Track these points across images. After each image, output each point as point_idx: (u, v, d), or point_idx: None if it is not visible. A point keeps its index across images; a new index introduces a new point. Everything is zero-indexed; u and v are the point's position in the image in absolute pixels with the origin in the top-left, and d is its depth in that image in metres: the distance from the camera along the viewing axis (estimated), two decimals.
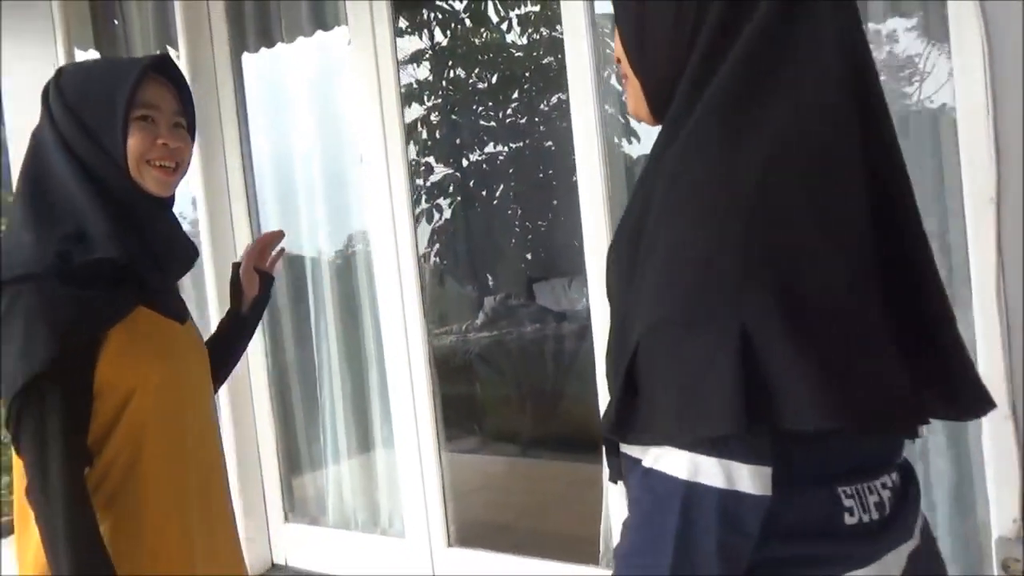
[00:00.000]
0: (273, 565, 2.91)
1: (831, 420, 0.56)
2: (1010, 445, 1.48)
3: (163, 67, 1.18)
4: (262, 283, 1.45)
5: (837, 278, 0.60)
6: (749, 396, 0.56)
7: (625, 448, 0.67)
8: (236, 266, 1.45)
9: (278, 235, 1.49)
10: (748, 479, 0.59)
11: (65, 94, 1.12)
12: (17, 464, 1.11)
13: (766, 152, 0.61)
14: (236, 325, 1.44)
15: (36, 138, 1.16)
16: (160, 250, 1.17)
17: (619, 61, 0.79)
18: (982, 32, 1.49)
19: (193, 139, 1.24)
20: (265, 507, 2.93)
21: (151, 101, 1.14)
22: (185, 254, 1.24)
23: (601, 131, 2.16)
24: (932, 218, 1.69)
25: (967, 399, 0.71)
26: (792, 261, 0.59)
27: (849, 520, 0.64)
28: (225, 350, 1.42)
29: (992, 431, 1.53)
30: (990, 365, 1.50)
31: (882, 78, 0.77)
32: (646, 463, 0.62)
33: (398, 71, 2.57)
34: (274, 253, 1.48)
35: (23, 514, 1.11)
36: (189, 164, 1.23)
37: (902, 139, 0.71)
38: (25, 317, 1.02)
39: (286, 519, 2.92)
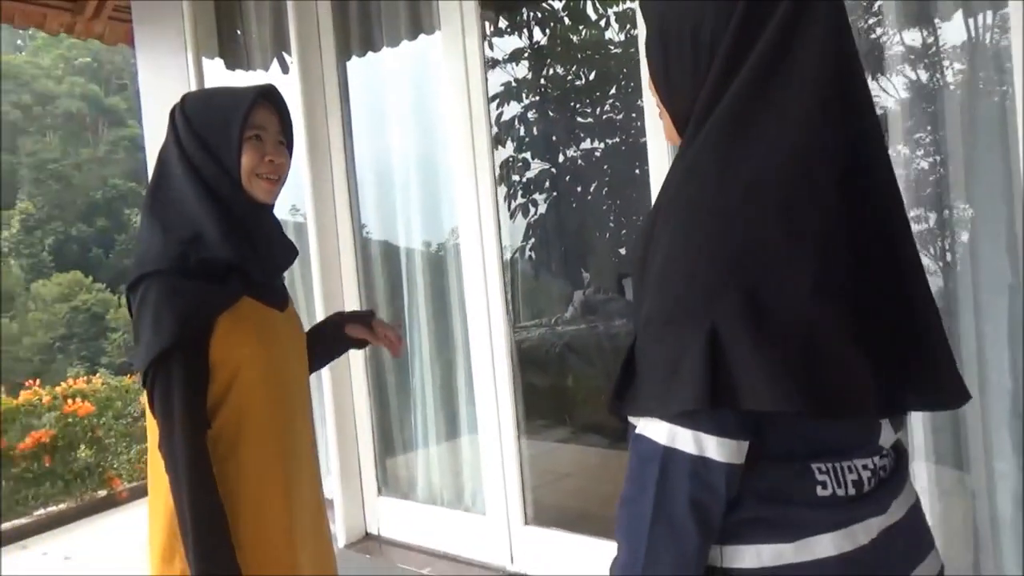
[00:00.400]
0: (367, 534, 3.15)
1: (782, 404, 0.69)
2: None
3: (269, 94, 1.39)
4: (356, 341, 1.65)
5: (801, 286, 0.71)
6: (716, 381, 0.68)
7: (629, 418, 0.80)
8: (367, 315, 1.66)
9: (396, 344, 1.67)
10: (715, 448, 0.73)
11: (189, 118, 1.36)
12: (151, 430, 1.34)
13: (747, 180, 0.73)
14: (326, 354, 1.65)
15: (161, 156, 1.40)
16: (264, 250, 1.39)
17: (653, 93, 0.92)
18: None
19: (291, 154, 1.45)
20: (361, 482, 3.18)
21: (260, 123, 1.36)
22: (285, 253, 1.46)
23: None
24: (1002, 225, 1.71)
25: (947, 393, 0.80)
26: (760, 272, 0.72)
27: (822, 492, 0.77)
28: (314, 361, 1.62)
29: None
30: None
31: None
32: (638, 430, 0.76)
33: (486, 73, 2.72)
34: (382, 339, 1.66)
35: (156, 467, 1.34)
36: (288, 175, 1.43)
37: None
38: (155, 304, 1.26)
39: (379, 493, 3.16)
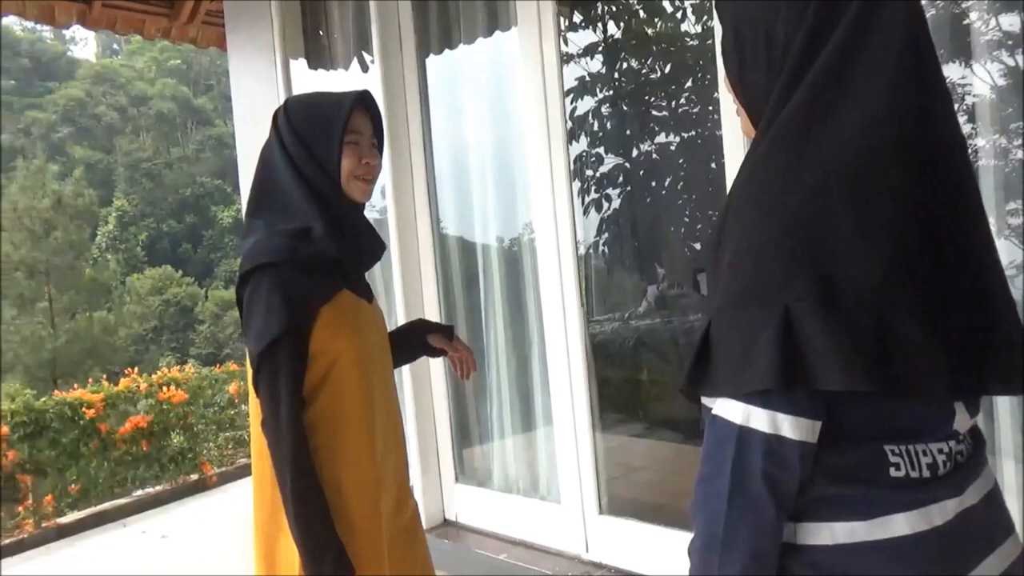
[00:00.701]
0: (445, 520, 3.25)
1: (852, 384, 0.71)
2: None
3: (365, 100, 1.48)
4: (435, 350, 1.73)
5: (872, 270, 0.74)
6: (789, 361, 0.71)
7: (703, 400, 0.84)
8: (448, 329, 1.75)
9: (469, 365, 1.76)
10: (789, 426, 0.75)
11: (293, 122, 1.45)
12: (254, 410, 1.44)
13: (819, 170, 0.76)
14: (405, 349, 1.73)
15: (264, 157, 1.49)
16: (359, 245, 1.49)
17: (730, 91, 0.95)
18: None
19: (382, 155, 1.53)
20: (439, 470, 3.27)
21: (357, 128, 1.46)
22: (376, 248, 1.55)
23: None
24: None
25: (1021, 377, 0.81)
26: (831, 257, 0.74)
27: (895, 473, 0.78)
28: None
29: None
30: None
31: None
32: (713, 411, 0.79)
33: (561, 69, 2.75)
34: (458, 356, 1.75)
35: (259, 448, 1.43)
36: (379, 175, 1.52)
37: None
38: (267, 295, 1.35)
39: (456, 480, 3.25)
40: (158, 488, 6.09)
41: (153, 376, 6.99)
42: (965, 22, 2.24)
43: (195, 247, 35.29)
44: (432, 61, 3.32)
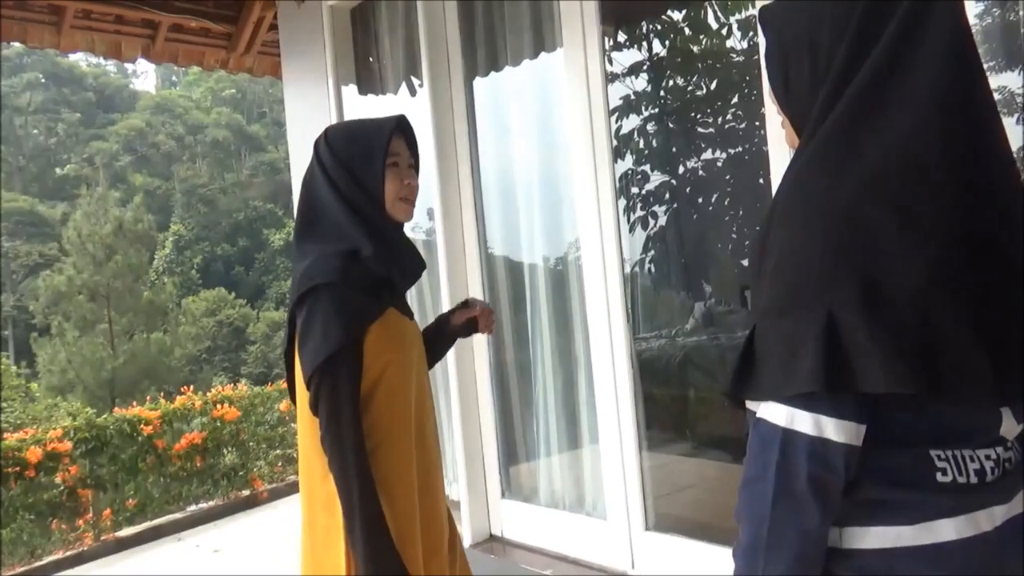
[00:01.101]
0: (491, 535, 3.26)
1: (896, 387, 0.71)
2: None
3: (403, 124, 1.56)
4: (462, 327, 1.78)
5: (917, 275, 0.74)
6: (833, 365, 0.72)
7: (747, 404, 0.85)
8: (464, 320, 1.78)
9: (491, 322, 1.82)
10: (833, 429, 0.76)
11: (334, 149, 1.52)
12: (304, 429, 1.48)
13: (863, 177, 0.78)
14: (444, 345, 1.79)
15: (307, 183, 1.56)
16: (404, 265, 1.56)
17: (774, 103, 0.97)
18: None
19: (418, 176, 1.60)
20: (486, 485, 3.29)
21: (396, 151, 1.53)
22: (418, 267, 1.62)
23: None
24: None
25: None
26: (875, 262, 0.75)
27: (942, 478, 0.79)
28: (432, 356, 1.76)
29: None
30: None
31: None
32: (758, 414, 0.80)
33: (607, 88, 2.79)
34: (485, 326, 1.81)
35: (309, 465, 1.48)
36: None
37: None
38: (324, 313, 1.40)
39: (503, 496, 3.26)
40: (211, 503, 6.24)
41: (207, 394, 7.18)
42: (999, 21, 2.21)
43: (247, 269, 36.14)
44: (479, 83, 3.38)
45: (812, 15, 0.88)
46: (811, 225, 0.79)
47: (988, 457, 0.81)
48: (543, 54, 3.13)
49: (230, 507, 6.25)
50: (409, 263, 1.58)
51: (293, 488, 6.60)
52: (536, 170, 3.27)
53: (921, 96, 0.79)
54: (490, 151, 3.39)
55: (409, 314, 1.59)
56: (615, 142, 5.01)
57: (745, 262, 7.00)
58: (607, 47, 3.09)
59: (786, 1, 0.95)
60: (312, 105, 3.84)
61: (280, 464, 7.12)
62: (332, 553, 1.42)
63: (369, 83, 3.89)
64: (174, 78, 46.45)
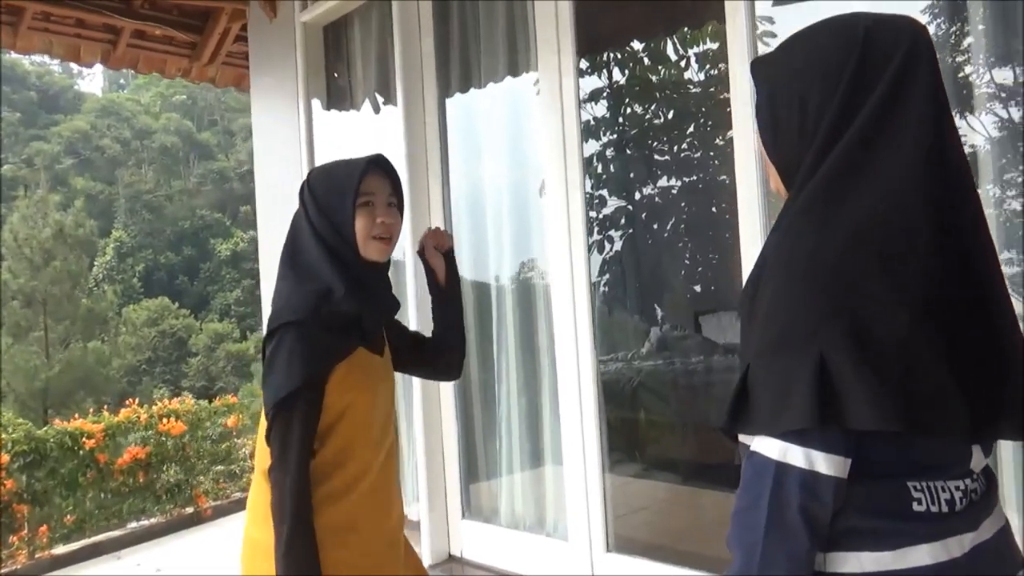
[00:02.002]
0: (450, 556, 3.26)
1: (882, 424, 0.79)
2: None
3: (379, 162, 1.57)
4: (447, 259, 1.76)
5: (900, 321, 0.82)
6: (824, 403, 0.79)
7: (740, 438, 0.90)
8: (421, 254, 1.76)
9: (441, 235, 1.78)
10: (823, 463, 0.82)
11: (314, 192, 1.55)
12: (259, 454, 1.52)
13: (850, 228, 0.85)
14: (442, 298, 1.77)
15: (293, 224, 1.59)
16: (377, 304, 1.58)
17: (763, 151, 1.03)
18: None
19: (402, 214, 1.61)
20: (446, 505, 3.30)
21: (370, 190, 1.54)
22: (391, 307, 1.64)
23: (761, 169, 2.28)
24: None
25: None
26: (862, 308, 0.82)
27: (917, 508, 0.85)
28: (445, 323, 1.77)
29: None
30: None
31: None
32: (752, 448, 0.86)
33: (580, 112, 2.85)
34: (440, 240, 1.77)
35: (259, 491, 1.51)
36: (400, 233, 1.59)
37: None
38: (289, 351, 1.43)
39: (463, 516, 3.27)
40: (153, 520, 6.06)
41: (153, 407, 6.99)
42: (961, 75, 2.35)
43: (192, 279, 35.33)
44: (451, 102, 3.43)
45: (802, 71, 0.94)
46: (802, 275, 0.85)
47: (958, 488, 0.88)
48: (516, 76, 3.20)
49: (173, 524, 6.08)
50: (382, 303, 1.61)
51: (238, 505, 6.47)
52: (506, 191, 3.32)
53: (905, 153, 0.86)
54: (460, 171, 3.43)
55: (380, 350, 1.61)
56: None
57: (699, 288, 7.18)
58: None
59: (777, 54, 1.01)
60: (280, 120, 3.83)
61: (224, 480, 6.96)
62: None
63: (335, 99, 3.90)
64: (122, 81, 45.35)
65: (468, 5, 3.30)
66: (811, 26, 0.99)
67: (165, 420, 6.68)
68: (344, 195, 1.51)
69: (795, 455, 0.83)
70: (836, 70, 0.90)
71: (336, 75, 3.94)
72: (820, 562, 0.86)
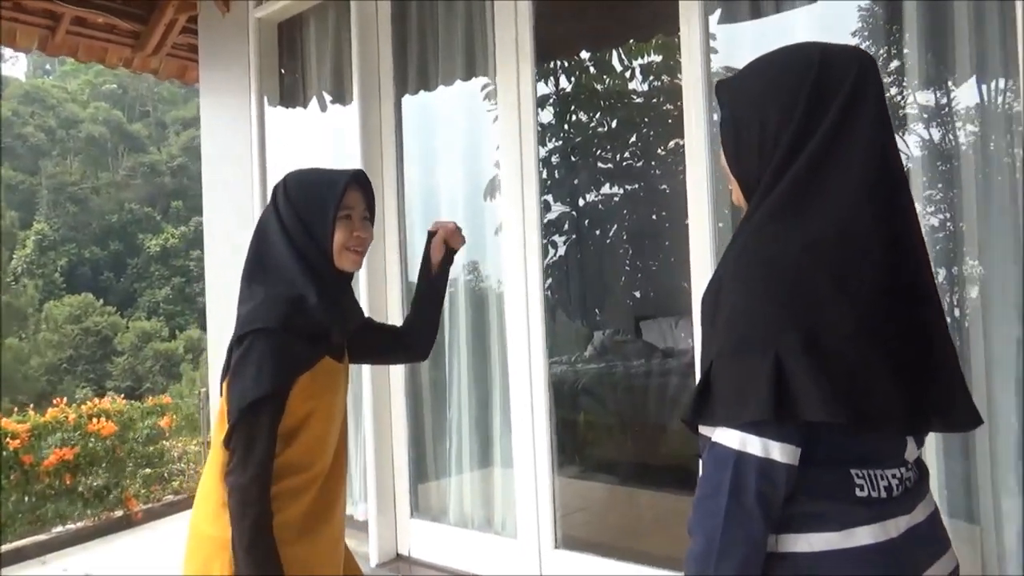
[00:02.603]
0: (398, 555, 3.28)
1: (831, 417, 0.89)
2: None
3: (359, 178, 1.61)
4: (447, 253, 1.82)
5: (847, 326, 0.92)
6: (780, 398, 0.89)
7: (701, 430, 0.99)
8: (431, 235, 1.81)
9: (458, 234, 1.82)
10: (778, 452, 0.92)
11: (291, 197, 1.57)
12: (214, 453, 1.53)
13: (804, 242, 0.95)
14: (429, 289, 1.81)
15: (262, 227, 1.60)
16: (345, 315, 1.62)
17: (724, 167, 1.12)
18: None
19: (372, 227, 1.65)
20: (395, 504, 3.31)
21: (350, 204, 1.58)
22: (356, 317, 1.69)
23: (713, 179, 2.39)
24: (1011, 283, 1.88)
25: (961, 416, 1.01)
26: (814, 315, 0.92)
27: (859, 493, 0.96)
28: (423, 313, 1.82)
29: None
30: None
31: None
32: (713, 439, 0.95)
33: (537, 116, 2.91)
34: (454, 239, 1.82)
35: (208, 493, 1.52)
36: (370, 246, 1.63)
37: None
38: (259, 357, 1.44)
39: (412, 515, 3.29)
40: (80, 524, 5.86)
41: (82, 407, 6.75)
42: (888, 94, 2.50)
43: (118, 276, 34.06)
44: (407, 101, 3.45)
45: (762, 94, 1.04)
46: (762, 288, 0.95)
47: (894, 476, 0.99)
48: (469, 80, 3.24)
49: (101, 528, 5.89)
50: (349, 314, 1.64)
51: (170, 508, 6.32)
52: (460, 192, 3.36)
53: (854, 175, 0.97)
54: (414, 171, 3.45)
55: (341, 356, 1.64)
56: None
57: (639, 294, 7.35)
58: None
59: (739, 77, 1.10)
60: (229, 116, 3.79)
61: (156, 483, 6.77)
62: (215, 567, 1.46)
63: (284, 96, 3.88)
64: (48, 66, 43.46)
65: (427, 6, 3.33)
66: (770, 52, 1.09)
67: (94, 420, 6.46)
68: (326, 206, 1.53)
69: (753, 444, 0.92)
70: (792, 94, 1.00)
71: (283, 72, 3.91)
72: (772, 543, 0.95)
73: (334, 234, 1.54)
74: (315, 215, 1.53)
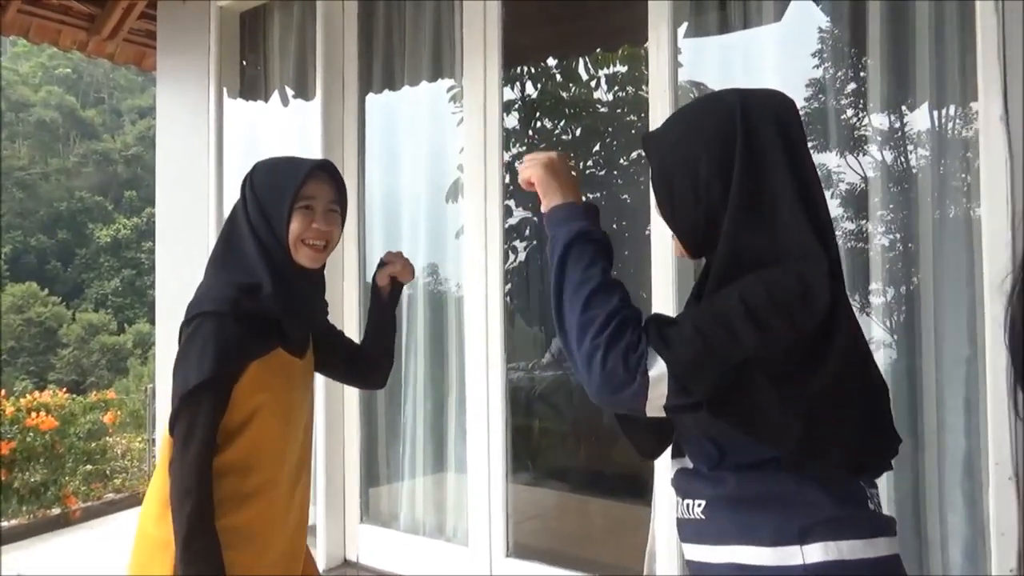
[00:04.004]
0: (345, 561, 3.21)
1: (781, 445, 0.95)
2: (1012, 503, 1.69)
3: (325, 167, 1.54)
4: (394, 284, 1.75)
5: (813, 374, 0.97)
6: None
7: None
8: (381, 264, 1.74)
9: (408, 270, 1.76)
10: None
11: (254, 183, 1.51)
12: (162, 446, 1.48)
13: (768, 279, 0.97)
14: (379, 317, 1.75)
15: (232, 214, 1.55)
16: (302, 309, 1.53)
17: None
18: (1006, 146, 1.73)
19: (343, 221, 1.58)
20: (344, 510, 3.25)
21: (311, 194, 1.50)
22: (317, 313, 1.61)
23: None
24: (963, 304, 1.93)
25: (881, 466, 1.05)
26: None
27: (870, 505, 1.00)
28: (375, 341, 1.75)
29: (996, 490, 1.75)
30: (997, 432, 1.72)
31: None
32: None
33: (503, 120, 2.89)
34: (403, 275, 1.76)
35: (155, 490, 1.47)
36: (338, 242, 1.57)
37: None
38: (203, 341, 1.39)
39: (361, 520, 3.23)
40: (14, 522, 5.65)
41: (21, 400, 6.51)
42: (843, 117, 2.54)
43: (66, 265, 33.11)
44: (370, 100, 3.40)
45: (688, 140, 1.06)
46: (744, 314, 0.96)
47: (874, 494, 1.03)
48: (434, 81, 3.21)
49: (37, 527, 5.69)
50: (307, 308, 1.57)
51: (110, 507, 6.14)
52: (422, 193, 3.32)
53: (789, 206, 1.00)
54: (377, 170, 3.40)
55: (302, 352, 1.58)
56: None
57: None
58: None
59: (664, 128, 1.12)
60: (186, 105, 3.69)
61: (96, 481, 6.56)
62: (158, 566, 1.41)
63: (244, 89, 3.80)
64: None
65: (395, 4, 3.29)
66: (692, 101, 1.14)
67: (34, 414, 6.24)
68: (283, 195, 1.47)
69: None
70: (719, 136, 1.03)
71: (244, 63, 3.83)
72: (799, 555, 0.94)
73: (289, 225, 1.47)
74: (273, 203, 1.47)
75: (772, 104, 1.06)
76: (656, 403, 0.92)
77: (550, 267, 1.02)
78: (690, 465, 1.07)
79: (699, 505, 1.05)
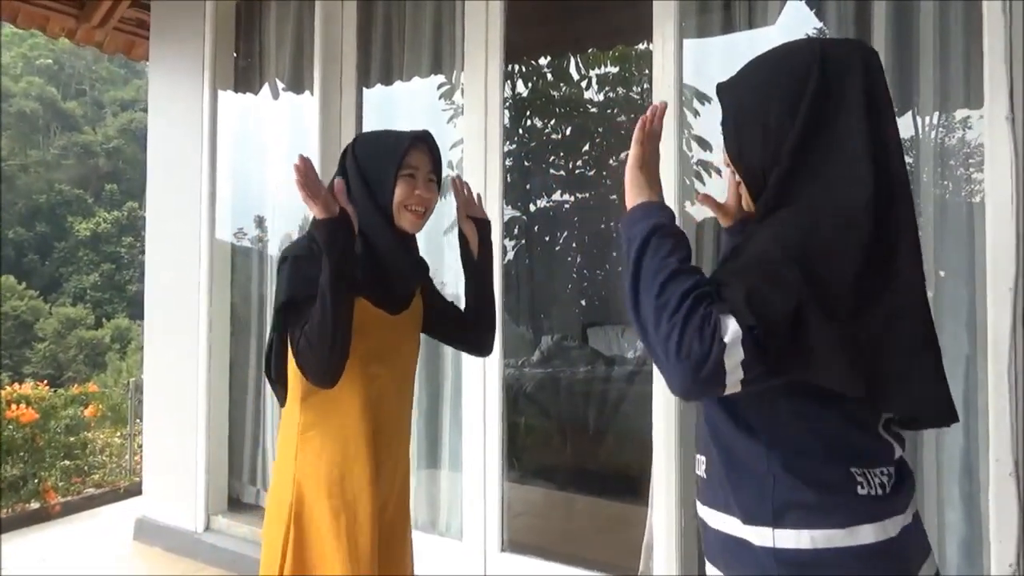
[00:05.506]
0: None
1: (849, 389, 0.93)
2: (1012, 499, 1.70)
3: (426, 138, 1.61)
4: (480, 227, 1.77)
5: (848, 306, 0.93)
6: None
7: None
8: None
9: (465, 186, 1.79)
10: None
11: (357, 156, 1.59)
12: (292, 381, 1.57)
13: (807, 224, 0.96)
14: (469, 269, 1.78)
15: (333, 181, 1.59)
16: (391, 276, 1.59)
17: (728, 166, 1.12)
18: (1011, 147, 1.75)
19: (440, 190, 1.64)
20: None
21: (414, 164, 1.57)
22: (413, 272, 1.65)
23: (676, 191, 2.41)
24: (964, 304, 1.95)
25: (939, 414, 1.03)
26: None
27: (860, 491, 0.96)
28: (472, 296, 1.78)
29: (996, 487, 1.76)
30: (999, 429, 1.73)
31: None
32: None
33: (503, 115, 2.90)
34: (475, 198, 1.80)
35: (283, 426, 1.60)
36: (434, 209, 1.62)
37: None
38: (286, 274, 1.50)
39: None
40: None
41: (1, 392, 6.41)
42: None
43: (44, 259, 32.63)
44: (368, 93, 3.39)
45: (763, 91, 1.05)
46: (780, 257, 0.94)
47: (883, 473, 0.99)
48: (425, 77, 3.21)
49: (15, 521, 5.60)
50: (402, 273, 1.61)
51: (90, 502, 6.05)
52: None
53: (848, 169, 0.98)
54: None
55: (391, 309, 1.60)
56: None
57: (584, 302, 7.39)
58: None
59: (739, 77, 1.11)
60: (180, 96, 3.65)
61: (77, 475, 6.47)
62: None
63: (237, 81, 3.76)
64: None
65: (394, 5, 3.28)
66: (770, 50, 1.10)
67: (13, 407, 6.14)
68: (388, 163, 1.55)
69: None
70: (794, 89, 1.01)
71: (237, 55, 3.80)
72: (769, 537, 0.94)
73: (394, 192, 1.53)
74: (378, 172, 1.55)
75: (855, 54, 1.04)
76: (734, 375, 0.87)
77: (625, 264, 0.98)
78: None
79: (701, 463, 1.09)
